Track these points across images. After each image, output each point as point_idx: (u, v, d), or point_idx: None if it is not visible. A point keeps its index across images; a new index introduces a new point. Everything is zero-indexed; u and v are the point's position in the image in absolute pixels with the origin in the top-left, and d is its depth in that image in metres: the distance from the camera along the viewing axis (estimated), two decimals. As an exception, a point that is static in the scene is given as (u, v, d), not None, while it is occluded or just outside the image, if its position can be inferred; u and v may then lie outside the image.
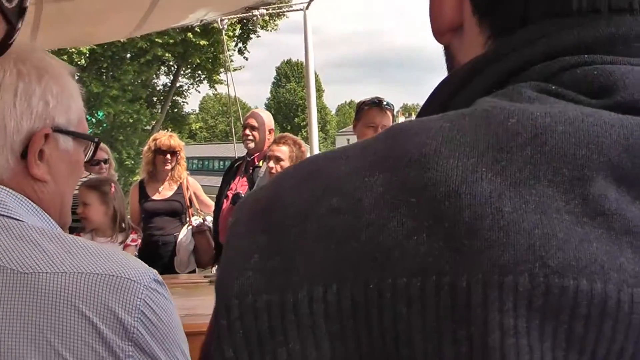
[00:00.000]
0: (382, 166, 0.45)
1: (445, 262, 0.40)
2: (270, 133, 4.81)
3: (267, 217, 0.47)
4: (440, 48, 0.66)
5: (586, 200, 0.41)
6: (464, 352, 0.39)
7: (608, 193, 0.41)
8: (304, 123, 52.69)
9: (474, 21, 0.57)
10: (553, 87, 0.48)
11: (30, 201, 1.04)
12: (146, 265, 1.04)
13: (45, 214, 1.06)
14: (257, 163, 4.74)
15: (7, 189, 1.01)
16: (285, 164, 4.20)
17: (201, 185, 5.35)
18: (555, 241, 0.39)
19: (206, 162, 46.40)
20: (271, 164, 4.21)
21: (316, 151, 5.39)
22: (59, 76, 1.08)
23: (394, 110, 4.00)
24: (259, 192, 0.50)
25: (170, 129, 5.02)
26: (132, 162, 25.62)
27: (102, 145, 5.49)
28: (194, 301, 3.22)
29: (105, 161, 4.83)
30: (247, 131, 4.77)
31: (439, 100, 0.56)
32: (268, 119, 4.88)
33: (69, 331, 0.91)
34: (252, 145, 4.75)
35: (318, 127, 5.69)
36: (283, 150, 4.22)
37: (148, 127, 26.09)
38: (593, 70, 0.48)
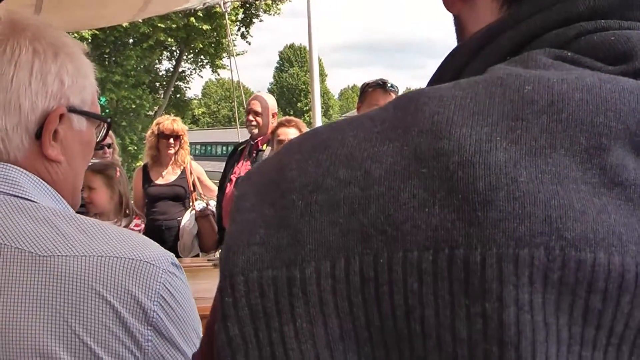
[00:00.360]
0: (391, 136, 0.43)
1: (459, 235, 0.39)
2: (273, 117, 4.78)
3: (273, 191, 0.45)
4: (444, 34, 0.64)
5: (604, 170, 0.40)
6: (478, 329, 0.38)
7: (626, 162, 0.40)
8: (307, 108, 52.59)
9: None
10: (569, 54, 0.47)
11: (44, 182, 1.03)
12: (163, 249, 1.03)
13: (59, 195, 1.05)
14: (261, 147, 4.72)
15: (22, 170, 1.00)
16: None
17: (205, 171, 5.33)
18: (572, 213, 0.38)
19: (209, 148, 46.34)
20: None
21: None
22: (74, 55, 1.06)
23: (398, 92, 3.96)
24: (264, 165, 0.49)
25: (173, 114, 4.99)
26: (135, 147, 25.61)
27: (106, 130, 5.47)
28: (198, 285, 3.20)
29: (109, 146, 4.80)
30: (251, 117, 4.74)
31: (451, 69, 0.55)
32: (271, 102, 4.85)
33: (89, 314, 0.91)
34: (256, 131, 4.73)
35: (321, 111, 5.65)
36: (293, 133, 4.20)
37: (151, 113, 26.08)
38: (610, 35, 0.46)
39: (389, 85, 3.86)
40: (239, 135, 7.16)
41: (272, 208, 0.44)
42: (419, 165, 0.41)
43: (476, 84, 0.44)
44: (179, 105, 29.61)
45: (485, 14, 0.56)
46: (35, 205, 0.97)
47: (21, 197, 0.97)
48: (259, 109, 4.73)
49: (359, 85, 4.34)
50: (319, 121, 5.57)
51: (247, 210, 0.46)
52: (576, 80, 0.42)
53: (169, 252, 1.03)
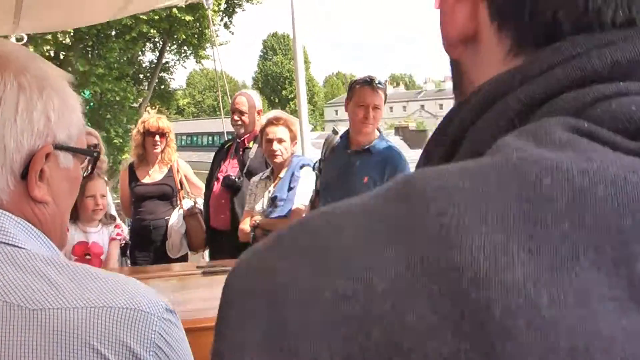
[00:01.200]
0: (394, 239, 0.38)
1: None
2: (258, 114, 4.76)
3: (262, 302, 0.40)
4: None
5: (632, 282, 0.35)
6: None
7: None
8: (292, 95, 52.47)
9: (493, 29, 0.49)
10: (585, 125, 0.41)
11: (31, 225, 0.97)
12: (157, 294, 0.99)
13: (47, 238, 1.00)
14: (247, 144, 4.70)
15: (8, 214, 0.95)
16: (287, 144, 4.21)
17: (190, 161, 5.29)
18: (599, 342, 0.33)
19: (195, 138, 46.04)
20: (275, 146, 4.16)
21: (305, 124, 5.26)
22: (60, 87, 1.01)
23: (385, 89, 3.94)
24: (248, 264, 0.44)
25: (157, 106, 4.90)
26: (121, 140, 25.43)
27: (91, 130, 5.43)
28: (187, 294, 3.13)
29: (95, 146, 4.76)
30: (236, 117, 4.72)
31: (451, 134, 0.49)
32: (256, 100, 4.83)
33: None
34: (242, 130, 4.72)
35: (306, 99, 5.57)
36: (282, 131, 4.18)
37: (135, 105, 25.88)
38: (630, 104, 0.41)
39: (376, 82, 3.83)
40: (224, 125, 7.11)
41: (263, 326, 0.39)
42: (428, 281, 0.36)
43: (487, 172, 0.39)
44: (164, 96, 29.37)
45: (489, 60, 0.50)
46: (24, 253, 0.92)
47: (8, 244, 0.92)
48: (243, 108, 4.70)
49: (344, 72, 4.31)
50: (304, 109, 5.48)
51: (234, 325, 0.41)
52: (598, 171, 0.37)
53: (162, 297, 0.99)
